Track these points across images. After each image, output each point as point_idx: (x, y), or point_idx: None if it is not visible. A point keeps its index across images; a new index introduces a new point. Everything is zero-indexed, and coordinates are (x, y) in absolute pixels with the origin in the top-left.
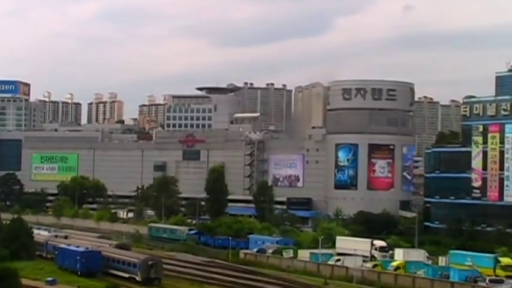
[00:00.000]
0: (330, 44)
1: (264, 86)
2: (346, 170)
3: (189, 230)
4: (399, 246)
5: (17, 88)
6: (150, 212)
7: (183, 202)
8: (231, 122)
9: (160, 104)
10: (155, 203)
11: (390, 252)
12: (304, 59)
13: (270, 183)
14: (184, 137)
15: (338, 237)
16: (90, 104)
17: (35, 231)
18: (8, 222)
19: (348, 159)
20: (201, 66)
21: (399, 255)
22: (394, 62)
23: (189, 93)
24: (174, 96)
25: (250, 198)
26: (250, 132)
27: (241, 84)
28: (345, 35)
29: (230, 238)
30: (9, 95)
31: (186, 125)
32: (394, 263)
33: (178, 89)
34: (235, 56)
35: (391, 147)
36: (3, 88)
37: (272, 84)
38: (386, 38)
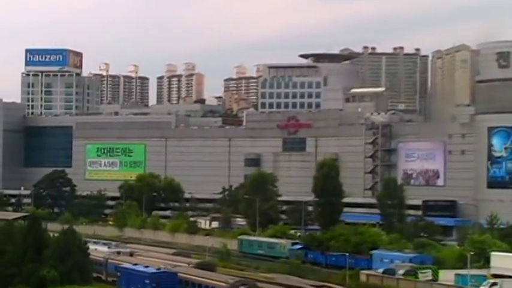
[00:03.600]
0: None
1: (390, 51)
2: (504, 163)
3: (293, 244)
4: None
5: (66, 59)
6: (240, 221)
7: (284, 207)
8: (347, 100)
9: (252, 78)
10: (247, 208)
11: None
12: (444, 13)
13: (399, 181)
14: (285, 120)
15: (493, 254)
16: (161, 78)
17: (91, 247)
18: (56, 234)
19: (505, 148)
20: (306, 26)
21: None
22: None
23: (290, 62)
24: (270, 67)
25: (374, 201)
26: (372, 113)
27: (359, 49)
28: None
29: (347, 255)
30: (56, 68)
31: (286, 105)
32: None
33: (276, 57)
34: (350, 12)
35: None
36: (48, 59)
37: (401, 48)
38: None
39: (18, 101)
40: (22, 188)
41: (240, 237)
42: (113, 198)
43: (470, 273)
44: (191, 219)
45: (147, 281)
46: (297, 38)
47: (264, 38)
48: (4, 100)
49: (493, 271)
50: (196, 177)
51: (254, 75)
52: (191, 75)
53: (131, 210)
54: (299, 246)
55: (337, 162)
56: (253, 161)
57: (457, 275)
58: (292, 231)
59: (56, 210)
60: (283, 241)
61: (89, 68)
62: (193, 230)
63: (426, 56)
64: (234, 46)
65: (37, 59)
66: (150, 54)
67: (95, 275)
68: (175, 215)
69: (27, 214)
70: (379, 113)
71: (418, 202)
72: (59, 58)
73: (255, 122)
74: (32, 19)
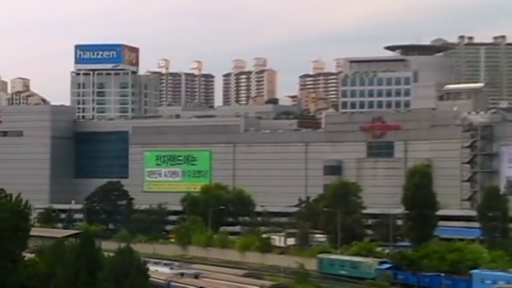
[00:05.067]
0: None
1: (490, 40)
2: None
3: (380, 263)
4: None
5: (121, 55)
6: (319, 237)
7: (370, 221)
8: (440, 98)
9: (331, 74)
10: (327, 223)
11: None
12: None
13: (502, 191)
14: (370, 122)
15: None
16: (227, 75)
17: (151, 268)
18: (112, 254)
19: None
20: (392, 14)
21: None
22: None
23: (375, 55)
24: (351, 61)
25: (473, 213)
26: (470, 113)
27: (454, 40)
28: None
29: (443, 275)
30: (109, 66)
31: (371, 104)
32: None
33: (358, 50)
34: None
35: None
36: (101, 56)
37: (503, 37)
38: None
39: (68, 103)
40: (73, 201)
41: (319, 255)
42: (174, 213)
43: None
44: (264, 235)
45: None
46: (382, 28)
47: (344, 28)
48: (52, 103)
49: None
50: (269, 188)
51: (334, 70)
52: (262, 71)
53: (196, 226)
54: (387, 265)
55: (430, 169)
56: (334, 169)
57: None
58: (379, 249)
59: (110, 226)
60: (369, 260)
61: (146, 66)
62: (266, 247)
63: None
64: (310, 38)
65: (88, 56)
66: (215, 48)
67: None
68: (245, 231)
69: (79, 231)
70: (477, 112)
71: None
72: (113, 55)
73: (335, 124)
74: (81, 10)
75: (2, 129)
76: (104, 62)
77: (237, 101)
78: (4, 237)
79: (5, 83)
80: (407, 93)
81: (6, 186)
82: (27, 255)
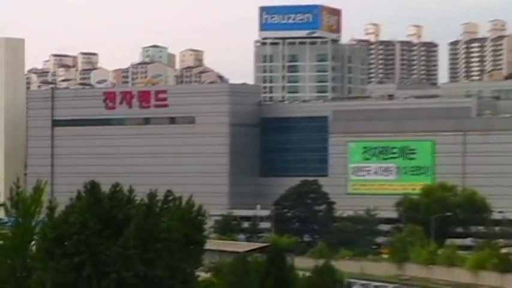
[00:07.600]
0: None
1: None
2: None
3: None
4: None
5: (318, 19)
6: None
7: None
8: None
9: None
10: None
11: None
12: None
13: None
14: None
15: None
16: (455, 43)
17: None
18: (307, 274)
19: None
20: None
21: None
22: None
23: None
24: None
25: None
26: None
27: None
28: None
29: None
30: (303, 33)
31: None
32: None
33: None
34: None
35: None
36: (293, 20)
37: None
38: None
39: (251, 81)
40: (258, 206)
41: None
42: (387, 221)
43: None
44: (503, 250)
45: None
46: None
47: None
48: (231, 81)
49: None
50: (510, 189)
51: None
52: (500, 38)
53: (415, 238)
54: None
55: None
56: None
57: None
58: None
59: (306, 238)
60: None
61: (350, 32)
62: (507, 266)
63: None
64: None
65: (277, 21)
66: (439, 9)
67: None
68: (479, 244)
69: (266, 244)
70: None
71: None
72: (308, 19)
73: None
74: None
75: (169, 114)
76: (296, 28)
77: (468, 76)
78: (173, 252)
79: (172, 56)
80: None
81: (175, 187)
82: (202, 275)
